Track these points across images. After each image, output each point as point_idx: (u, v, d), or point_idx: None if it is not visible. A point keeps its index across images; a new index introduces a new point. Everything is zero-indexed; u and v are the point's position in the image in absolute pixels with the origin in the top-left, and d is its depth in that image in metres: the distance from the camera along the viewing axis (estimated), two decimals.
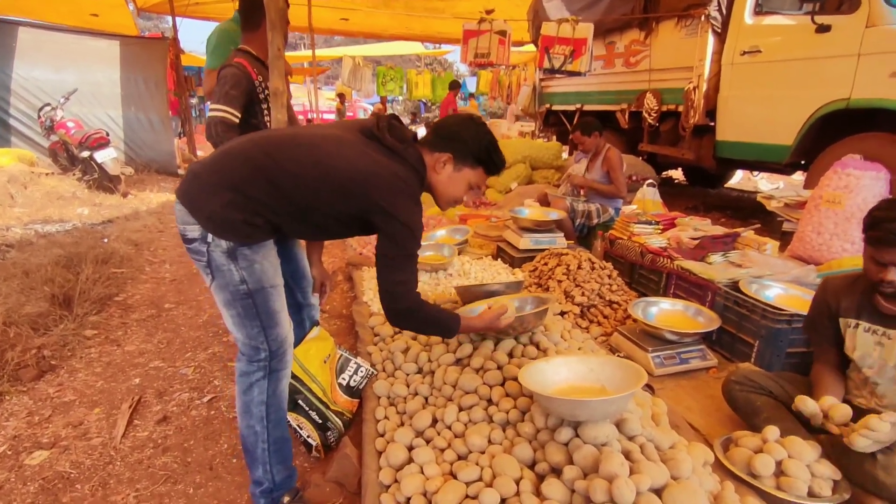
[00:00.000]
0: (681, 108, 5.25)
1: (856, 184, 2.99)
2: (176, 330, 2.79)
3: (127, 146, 7.77)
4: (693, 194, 6.85)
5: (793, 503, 1.41)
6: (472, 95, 16.94)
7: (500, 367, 1.84)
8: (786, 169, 5.01)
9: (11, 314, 2.54)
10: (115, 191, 6.08)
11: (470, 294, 2.25)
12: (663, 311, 2.45)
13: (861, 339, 1.59)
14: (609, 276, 2.90)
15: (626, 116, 6.23)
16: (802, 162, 4.58)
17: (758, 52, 4.54)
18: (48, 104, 6.82)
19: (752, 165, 5.50)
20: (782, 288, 2.40)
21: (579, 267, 2.87)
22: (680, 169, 7.88)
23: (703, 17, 4.83)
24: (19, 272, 3.06)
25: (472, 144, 1.51)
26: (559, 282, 2.84)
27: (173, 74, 8.54)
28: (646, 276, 2.98)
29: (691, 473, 1.34)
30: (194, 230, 1.32)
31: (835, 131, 4.06)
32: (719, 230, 3.02)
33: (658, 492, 1.25)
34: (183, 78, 8.69)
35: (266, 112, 2.42)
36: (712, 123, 5.08)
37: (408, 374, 1.97)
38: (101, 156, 6.07)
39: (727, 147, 4.99)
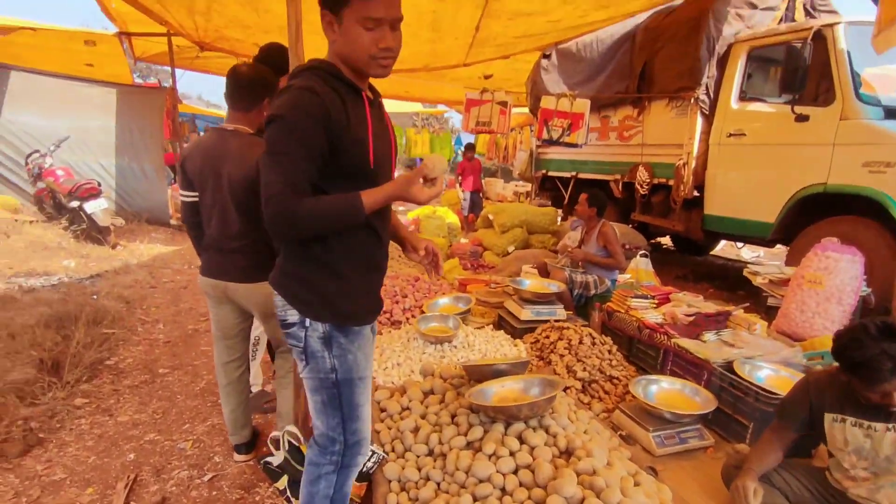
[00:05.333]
0: (671, 182, 5.48)
1: (834, 266, 3.15)
2: (171, 398, 2.69)
3: (118, 195, 7.65)
4: (681, 262, 7.05)
5: None
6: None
7: (512, 454, 1.83)
8: (768, 242, 5.23)
9: None
10: (105, 242, 5.95)
11: (478, 373, 2.26)
12: (662, 389, 2.49)
13: (851, 434, 1.65)
14: (609, 352, 2.94)
15: (620, 186, 6.47)
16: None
17: (742, 135, 4.83)
18: (37, 151, 6.69)
19: (738, 237, 5.72)
20: (772, 369, 2.48)
21: (580, 342, 2.91)
22: (668, 236, 8.14)
23: (692, 100, 5.12)
24: (4, 334, 2.91)
25: None
26: (561, 356, 2.87)
27: (169, 123, 8.38)
28: (643, 350, 3.03)
29: None
30: (293, 315, 1.32)
31: (814, 211, 4.29)
32: (711, 307, 3.12)
33: None
34: (178, 125, 8.61)
35: None
36: (700, 195, 5.31)
37: (418, 457, 1.95)
38: (92, 206, 5.95)
39: (714, 221, 5.20)
